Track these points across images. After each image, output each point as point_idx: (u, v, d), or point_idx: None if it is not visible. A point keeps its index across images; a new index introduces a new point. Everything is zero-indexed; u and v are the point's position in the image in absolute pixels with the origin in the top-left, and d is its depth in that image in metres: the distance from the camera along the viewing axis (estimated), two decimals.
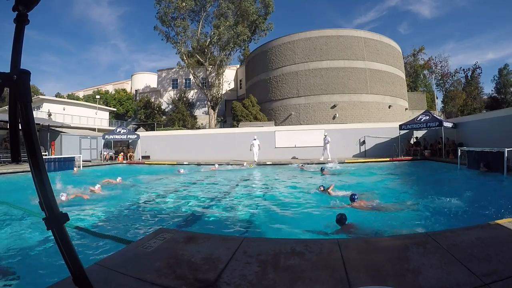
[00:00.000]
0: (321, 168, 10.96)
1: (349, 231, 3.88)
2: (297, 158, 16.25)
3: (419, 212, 4.95)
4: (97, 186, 7.33)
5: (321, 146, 15.79)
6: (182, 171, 12.09)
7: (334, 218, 4.07)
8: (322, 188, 6.64)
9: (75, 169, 13.04)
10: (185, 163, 15.72)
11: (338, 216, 4.04)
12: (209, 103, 28.98)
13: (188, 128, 27.33)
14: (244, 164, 13.80)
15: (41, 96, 29.84)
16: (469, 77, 42.40)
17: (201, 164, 15.01)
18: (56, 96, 41.40)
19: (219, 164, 14.03)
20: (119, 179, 8.95)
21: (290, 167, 13.17)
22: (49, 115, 25.58)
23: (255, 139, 15.60)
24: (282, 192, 7.29)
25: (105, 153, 17.88)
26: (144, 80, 41.83)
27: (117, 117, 38.39)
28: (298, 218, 4.94)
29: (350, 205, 5.19)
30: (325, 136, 14.93)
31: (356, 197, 5.25)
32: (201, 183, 9.43)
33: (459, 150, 10.45)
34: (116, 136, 18.09)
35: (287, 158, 16.16)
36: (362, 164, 13.53)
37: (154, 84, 40.63)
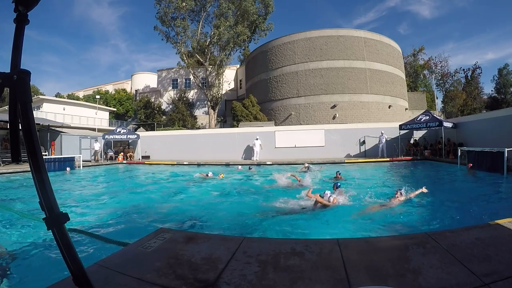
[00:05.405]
0: (337, 171, 9.32)
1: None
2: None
3: (418, 212, 4.95)
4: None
5: (321, 146, 16.59)
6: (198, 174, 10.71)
7: None
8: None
9: (67, 169, 12.97)
10: (185, 163, 15.72)
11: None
12: (209, 103, 28.97)
13: (188, 128, 27.29)
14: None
15: (41, 96, 29.80)
16: (469, 77, 42.36)
17: (202, 164, 14.90)
18: (56, 96, 41.36)
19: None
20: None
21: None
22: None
23: (257, 139, 16.25)
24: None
25: (96, 148, 17.83)
26: (144, 80, 41.77)
27: (117, 117, 38.34)
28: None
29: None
30: (382, 133, 15.05)
31: (339, 184, 5.87)
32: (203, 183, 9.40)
33: (459, 150, 10.46)
34: (116, 136, 18.09)
35: (288, 158, 16.14)
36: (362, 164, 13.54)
37: (154, 84, 40.59)
